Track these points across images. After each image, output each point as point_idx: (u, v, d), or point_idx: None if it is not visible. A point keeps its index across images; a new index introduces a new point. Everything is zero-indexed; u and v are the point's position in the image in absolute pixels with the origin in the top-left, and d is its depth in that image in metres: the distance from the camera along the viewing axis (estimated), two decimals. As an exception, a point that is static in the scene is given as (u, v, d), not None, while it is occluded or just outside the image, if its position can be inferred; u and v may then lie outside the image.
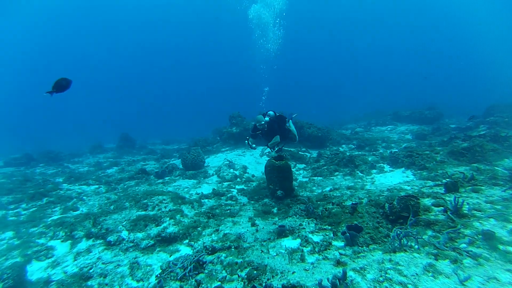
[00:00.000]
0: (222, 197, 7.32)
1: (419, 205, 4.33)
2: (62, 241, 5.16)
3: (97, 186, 9.09)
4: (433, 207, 4.59)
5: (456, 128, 14.48)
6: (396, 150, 10.99)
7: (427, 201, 4.84)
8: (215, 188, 8.01)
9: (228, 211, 6.09)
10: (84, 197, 7.81)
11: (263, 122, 6.48)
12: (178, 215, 5.71)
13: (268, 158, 7.33)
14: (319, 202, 5.92)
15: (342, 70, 71.65)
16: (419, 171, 7.38)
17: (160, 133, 30.53)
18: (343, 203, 5.10)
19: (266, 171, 6.52)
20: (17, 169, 12.84)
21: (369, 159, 9.43)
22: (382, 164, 8.74)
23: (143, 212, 5.86)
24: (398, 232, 3.62)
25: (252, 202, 6.77)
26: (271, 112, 6.81)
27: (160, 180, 9.33)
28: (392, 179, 7.33)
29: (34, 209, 6.85)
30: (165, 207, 6.07)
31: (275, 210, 5.94)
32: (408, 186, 6.24)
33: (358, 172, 8.27)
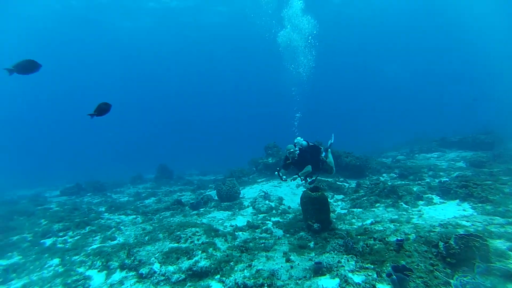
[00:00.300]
0: (257, 230, 7.08)
1: (487, 247, 3.68)
2: (98, 271, 5.27)
3: (134, 216, 9.40)
4: (510, 252, 3.88)
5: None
6: (447, 179, 9.97)
7: (499, 244, 4.14)
8: (250, 220, 7.81)
9: (262, 244, 5.81)
10: (121, 227, 8.08)
11: (292, 150, 6.32)
12: (211, 248, 5.58)
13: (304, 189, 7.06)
14: (359, 237, 5.42)
15: (379, 95, 69.73)
16: (480, 205, 6.49)
17: (197, 163, 31.48)
18: (386, 239, 4.58)
19: (301, 202, 6.23)
20: (69, 198, 13.94)
21: (414, 189, 8.62)
22: (430, 195, 7.91)
23: (176, 244, 5.84)
24: (463, 281, 3.05)
25: (288, 235, 6.43)
26: (303, 142, 6.59)
27: (195, 212, 9.39)
28: (444, 213, 6.53)
29: (78, 237, 7.22)
30: (198, 240, 5.99)
31: (311, 244, 5.54)
32: (467, 221, 5.48)
33: (402, 203, 7.55)
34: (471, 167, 11.90)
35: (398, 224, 6.03)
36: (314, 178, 6.66)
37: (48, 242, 7.09)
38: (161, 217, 9.15)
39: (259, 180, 12.87)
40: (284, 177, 6.31)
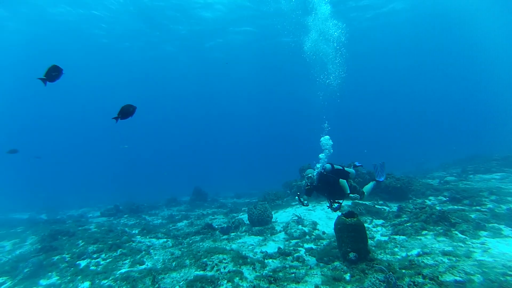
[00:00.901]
0: (288, 257, 6.58)
1: None
2: (124, 298, 5.18)
3: (165, 239, 9.40)
4: None
5: None
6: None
7: None
8: (281, 246, 7.34)
9: (293, 275, 5.33)
10: (151, 251, 8.07)
11: (310, 175, 6.05)
12: (237, 278, 5.24)
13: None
14: (403, 271, 4.70)
15: (423, 109, 65.54)
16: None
17: (233, 186, 31.57)
18: (440, 277, 3.87)
19: (335, 229, 5.69)
20: (107, 219, 14.57)
21: (472, 216, 7.50)
22: (496, 225, 6.78)
23: (202, 272, 5.60)
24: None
25: (321, 264, 5.86)
26: (327, 165, 6.33)
27: (225, 236, 9.13)
28: (519, 248, 5.46)
29: (109, 260, 7.32)
30: (225, 268, 5.70)
31: (347, 276, 4.93)
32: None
33: (456, 232, 6.55)
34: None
35: (455, 259, 5.15)
36: (337, 206, 6.10)
37: (83, 263, 7.28)
38: (190, 242, 9.02)
39: (293, 203, 12.32)
40: (306, 202, 6.12)
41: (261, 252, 7.17)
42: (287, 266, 5.89)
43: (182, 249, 8.11)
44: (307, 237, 7.88)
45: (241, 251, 7.22)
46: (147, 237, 9.82)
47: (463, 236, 6.35)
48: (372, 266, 5.04)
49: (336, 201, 6.16)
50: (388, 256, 5.76)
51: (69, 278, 6.44)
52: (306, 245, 7.27)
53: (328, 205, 6.16)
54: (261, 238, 8.47)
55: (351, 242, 5.34)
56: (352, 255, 5.26)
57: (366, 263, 5.16)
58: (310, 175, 6.05)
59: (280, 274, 5.42)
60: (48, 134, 61.27)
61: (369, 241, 7.04)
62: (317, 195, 6.68)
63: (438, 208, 8.74)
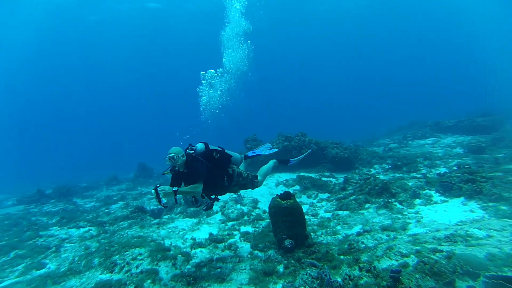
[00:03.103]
0: (220, 245, 5.76)
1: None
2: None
3: (87, 228, 7.98)
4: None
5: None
6: (446, 169, 8.77)
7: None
8: (214, 232, 6.49)
9: (219, 270, 4.49)
10: (65, 246, 6.66)
11: (173, 155, 3.93)
12: (149, 280, 4.24)
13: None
14: (342, 257, 4.13)
15: (371, 81, 68.59)
16: (492, 204, 5.25)
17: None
18: (377, 267, 3.27)
19: (270, 213, 4.90)
20: (25, 207, 12.40)
21: (410, 184, 7.37)
22: (428, 191, 6.66)
23: (107, 276, 4.48)
24: None
25: (256, 252, 5.13)
26: (199, 146, 4.34)
27: (156, 220, 8.02)
28: (448, 215, 5.28)
29: (-5, 266, 5.76)
30: (137, 267, 4.64)
31: (280, 268, 4.23)
32: (480, 229, 4.20)
33: (396, 203, 6.29)
34: (470, 153, 10.77)
35: (393, 234, 4.77)
36: (210, 203, 4.48)
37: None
38: (117, 229, 7.77)
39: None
40: (164, 200, 3.49)
41: (192, 239, 6.26)
42: (215, 258, 5.04)
43: (102, 240, 6.84)
44: (246, 217, 7.13)
45: (167, 239, 6.24)
46: (66, 227, 8.26)
47: (401, 207, 6.11)
48: (310, 253, 4.40)
49: (210, 196, 4.48)
50: (329, 237, 5.21)
51: None
52: (242, 228, 6.51)
53: (193, 200, 4.40)
54: (195, 220, 7.54)
55: (287, 227, 4.60)
56: (287, 242, 4.55)
57: (304, 250, 4.50)
58: (173, 154, 3.94)
59: (204, 270, 4.55)
60: None
61: (312, 219, 6.54)
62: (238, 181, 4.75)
63: (381, 177, 8.60)
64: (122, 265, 4.72)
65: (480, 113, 16.38)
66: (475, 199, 5.60)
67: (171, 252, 5.28)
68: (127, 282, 4.22)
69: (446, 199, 6.02)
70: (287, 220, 4.58)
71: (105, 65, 49.73)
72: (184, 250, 5.57)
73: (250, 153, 5.63)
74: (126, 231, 7.32)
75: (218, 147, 4.53)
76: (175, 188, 3.56)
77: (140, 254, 5.02)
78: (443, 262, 3.22)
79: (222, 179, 4.38)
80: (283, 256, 4.55)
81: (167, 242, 6.04)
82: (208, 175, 4.08)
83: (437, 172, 8.45)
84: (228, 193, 4.75)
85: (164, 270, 4.57)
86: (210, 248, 5.64)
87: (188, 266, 4.78)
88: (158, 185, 3.51)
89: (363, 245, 4.44)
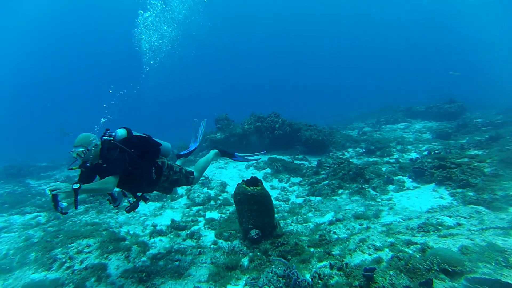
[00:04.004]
0: (182, 232, 5.28)
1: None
2: None
3: (35, 214, 7.10)
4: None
5: (486, 123, 12.12)
6: (416, 154, 8.81)
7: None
8: (177, 218, 5.98)
9: (177, 263, 4.03)
10: (1, 235, 5.83)
11: (80, 145, 2.97)
12: (93, 279, 3.68)
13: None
14: (312, 250, 3.82)
15: (347, 65, 69.06)
16: (460, 190, 5.19)
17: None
18: (347, 265, 2.96)
19: (235, 200, 4.44)
20: (-34, 190, 11.01)
21: (383, 169, 7.26)
22: (401, 177, 6.57)
23: (41, 275, 3.84)
24: None
25: (220, 241, 4.72)
26: (120, 131, 3.41)
27: (117, 204, 7.32)
28: (420, 202, 5.17)
29: None
30: (82, 262, 4.04)
31: (245, 261, 3.85)
32: (450, 217, 4.06)
33: (369, 189, 6.13)
34: (438, 139, 10.99)
35: (366, 223, 4.56)
36: (133, 203, 3.62)
37: None
38: (70, 215, 6.99)
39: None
40: (64, 203, 2.56)
41: (153, 225, 5.73)
42: (175, 248, 4.56)
43: (49, 229, 6.06)
44: (212, 202, 6.67)
45: (126, 226, 5.66)
46: (6, 213, 7.31)
47: (374, 193, 5.96)
48: (278, 244, 4.04)
49: (135, 193, 3.65)
50: (299, 226, 4.90)
51: None
52: (208, 214, 6.07)
53: (109, 198, 3.51)
54: (158, 205, 6.96)
55: (253, 217, 4.19)
56: (253, 233, 4.16)
57: (272, 241, 4.14)
58: (81, 149, 2.95)
59: (161, 263, 4.06)
60: None
61: (283, 205, 6.22)
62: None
63: (355, 161, 8.46)
64: (63, 260, 4.09)
65: (447, 100, 16.89)
66: (445, 185, 5.54)
67: (126, 242, 4.71)
68: (66, 282, 3.63)
69: (418, 185, 5.94)
70: (253, 209, 4.16)
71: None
72: (142, 239, 5.03)
73: (183, 152, 4.82)
74: (81, 217, 6.58)
75: (144, 134, 3.64)
76: (75, 186, 2.54)
77: (88, 246, 4.41)
78: (418, 256, 2.98)
79: (149, 172, 3.44)
80: (249, 248, 4.18)
81: (124, 230, 5.46)
82: (130, 167, 3.20)
83: (409, 157, 8.46)
84: (155, 191, 3.86)
85: (115, 264, 4.02)
86: (171, 236, 5.15)
87: (144, 258, 4.26)
88: (54, 184, 2.50)
89: (335, 236, 4.17)
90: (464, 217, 3.96)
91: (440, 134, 11.37)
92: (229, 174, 8.22)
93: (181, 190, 7.71)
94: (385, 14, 47.99)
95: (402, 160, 8.32)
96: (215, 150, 4.69)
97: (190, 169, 4.18)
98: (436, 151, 8.15)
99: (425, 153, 8.47)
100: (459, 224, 3.76)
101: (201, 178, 7.80)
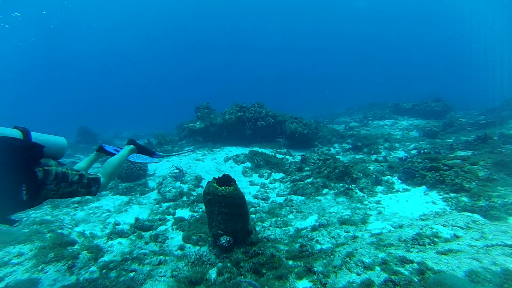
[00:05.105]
0: (146, 233, 4.63)
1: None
2: None
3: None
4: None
5: (470, 123, 12.00)
6: (404, 153, 8.46)
7: None
8: (142, 216, 5.30)
9: (132, 274, 3.39)
10: None
11: None
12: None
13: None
14: (290, 263, 3.28)
15: (336, 59, 68.98)
16: (453, 195, 4.78)
17: (139, 126, 27.55)
18: (335, 285, 2.43)
19: (204, 201, 3.81)
20: None
21: (371, 168, 6.82)
22: (390, 177, 6.14)
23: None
24: None
25: (187, 246, 4.11)
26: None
27: (78, 198, 6.53)
28: (410, 207, 4.73)
29: None
30: (2, 280, 3.30)
31: (212, 274, 3.27)
32: (445, 226, 3.60)
33: (356, 190, 5.65)
34: (426, 137, 10.74)
35: (352, 230, 4.06)
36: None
37: None
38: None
39: (187, 149, 10.20)
40: None
41: (115, 223, 5.03)
42: (133, 254, 3.90)
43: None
44: (184, 198, 6.02)
45: (83, 225, 4.94)
46: None
47: (362, 194, 5.49)
48: (252, 255, 3.46)
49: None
50: (278, 230, 4.34)
51: None
52: (178, 212, 5.42)
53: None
54: (125, 199, 6.25)
55: (224, 221, 3.58)
56: (224, 240, 3.56)
57: (245, 250, 3.56)
58: None
59: (112, 275, 3.40)
60: None
61: (262, 204, 5.64)
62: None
63: (341, 158, 8.00)
64: (-13, 272, 3.34)
65: (434, 98, 16.83)
66: (437, 188, 5.14)
67: (75, 247, 4.01)
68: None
69: (408, 187, 5.51)
70: (224, 212, 3.55)
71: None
72: (97, 241, 4.34)
73: (109, 147, 3.65)
74: (31, 213, 5.76)
75: (16, 127, 2.39)
76: None
77: (20, 255, 3.67)
78: (416, 280, 2.48)
79: (17, 189, 2.18)
80: (218, 257, 3.58)
81: (78, 230, 4.74)
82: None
83: (396, 156, 8.12)
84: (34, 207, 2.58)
85: (51, 279, 3.31)
86: (133, 238, 4.48)
87: (93, 268, 3.58)
88: None
89: (318, 246, 3.65)
90: (461, 227, 3.52)
91: (428, 132, 11.13)
92: (205, 167, 7.55)
93: (152, 183, 7.01)
94: (374, 8, 47.75)
95: (390, 158, 7.96)
96: (131, 146, 3.70)
97: (95, 174, 2.99)
98: (425, 150, 7.82)
99: (414, 151, 8.13)
100: (456, 236, 3.31)
101: (175, 171, 7.15)
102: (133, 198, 6.28)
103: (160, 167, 7.97)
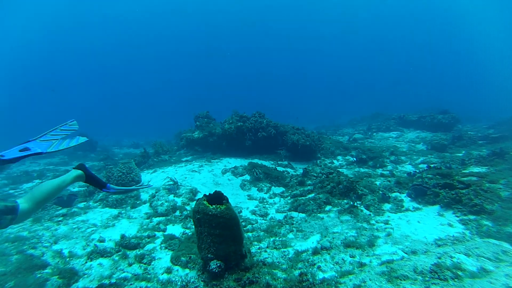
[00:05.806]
0: (131, 253, 4.22)
1: None
2: None
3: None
4: None
5: (479, 137, 11.54)
6: (411, 167, 8.03)
7: None
8: (130, 232, 4.88)
9: (108, 304, 2.96)
10: None
11: None
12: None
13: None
14: (289, 296, 2.83)
15: (339, 70, 69.13)
16: (473, 217, 4.32)
17: (146, 133, 27.26)
18: None
19: (194, 220, 3.40)
20: None
21: (377, 183, 6.38)
22: (399, 194, 5.69)
23: None
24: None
25: (177, 268, 3.69)
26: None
27: (64, 211, 6.13)
28: (423, 229, 4.27)
29: None
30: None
31: (200, 307, 2.83)
32: (468, 256, 3.15)
33: (362, 207, 5.20)
34: (433, 150, 10.29)
35: (359, 255, 3.61)
36: None
37: None
38: None
39: (184, 159, 9.82)
40: None
41: (100, 240, 4.63)
42: (111, 280, 3.48)
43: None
44: (177, 213, 5.59)
45: (64, 241, 4.54)
46: None
47: (368, 212, 5.04)
48: (246, 283, 3.03)
49: None
50: (276, 253, 3.91)
51: None
52: (170, 228, 5.00)
53: None
54: (115, 212, 5.84)
55: (215, 243, 3.16)
56: (214, 265, 3.13)
57: (237, 277, 3.13)
58: None
59: (84, 305, 2.98)
60: None
61: (260, 221, 5.20)
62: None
63: (345, 171, 7.57)
64: None
65: (440, 110, 16.40)
66: (452, 209, 4.67)
67: (46, 271, 3.59)
68: None
69: (419, 206, 5.06)
70: (215, 234, 3.14)
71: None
72: (74, 262, 3.93)
73: (11, 154, 2.58)
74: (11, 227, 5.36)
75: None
76: None
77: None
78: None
79: None
80: (207, 284, 3.15)
81: (55, 248, 4.34)
82: None
83: (403, 170, 7.69)
84: None
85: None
86: (116, 258, 4.06)
87: (61, 298, 3.16)
88: None
89: (320, 274, 3.20)
90: (489, 259, 3.06)
91: (435, 145, 10.68)
92: (202, 179, 7.15)
93: (145, 195, 6.61)
94: (379, 17, 48.13)
95: (397, 172, 7.52)
96: (79, 172, 3.17)
97: (12, 202, 2.44)
98: (435, 165, 7.38)
99: (423, 166, 7.69)
100: (485, 271, 2.85)
101: (169, 183, 6.75)
102: (122, 212, 5.87)
103: (154, 179, 7.58)
